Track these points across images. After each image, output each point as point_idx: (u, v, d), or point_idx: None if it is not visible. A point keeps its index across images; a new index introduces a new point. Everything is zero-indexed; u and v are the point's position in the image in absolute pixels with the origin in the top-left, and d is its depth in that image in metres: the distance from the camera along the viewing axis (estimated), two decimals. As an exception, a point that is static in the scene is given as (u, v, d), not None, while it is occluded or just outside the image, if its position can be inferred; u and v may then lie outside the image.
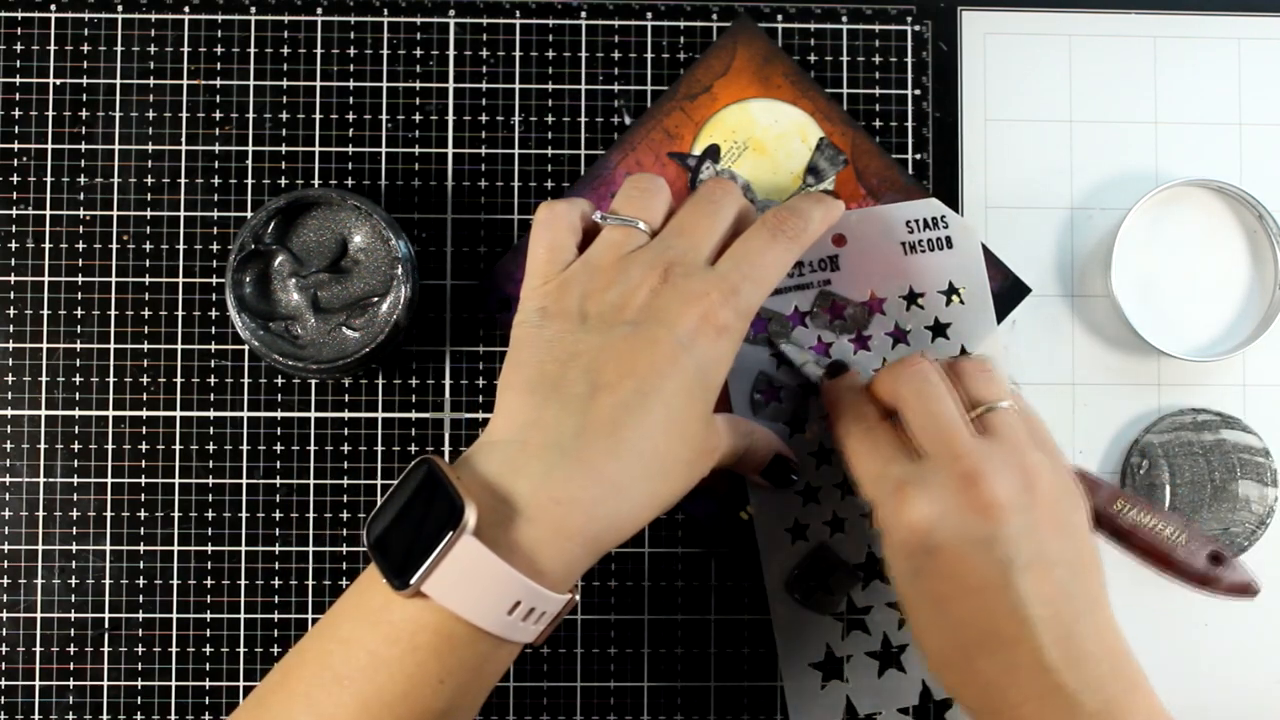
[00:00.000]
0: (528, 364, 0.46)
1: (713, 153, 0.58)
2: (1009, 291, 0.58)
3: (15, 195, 0.58)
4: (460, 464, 0.44)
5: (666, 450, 0.45)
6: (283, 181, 0.59)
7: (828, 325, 0.56)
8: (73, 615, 0.58)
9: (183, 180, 0.59)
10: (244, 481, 0.58)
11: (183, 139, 0.59)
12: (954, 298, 0.57)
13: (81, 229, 0.58)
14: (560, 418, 0.44)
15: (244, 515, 0.58)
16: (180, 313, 0.58)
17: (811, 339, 0.56)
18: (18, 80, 0.59)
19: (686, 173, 0.58)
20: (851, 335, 0.56)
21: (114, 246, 0.58)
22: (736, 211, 0.50)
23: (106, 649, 0.58)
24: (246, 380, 0.58)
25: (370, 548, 0.43)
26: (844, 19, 0.60)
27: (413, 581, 0.41)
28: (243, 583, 0.58)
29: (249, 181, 0.59)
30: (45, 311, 0.58)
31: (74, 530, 0.58)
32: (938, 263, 0.57)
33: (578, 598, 0.45)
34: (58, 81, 0.59)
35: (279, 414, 0.58)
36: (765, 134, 0.59)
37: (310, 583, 0.58)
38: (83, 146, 0.59)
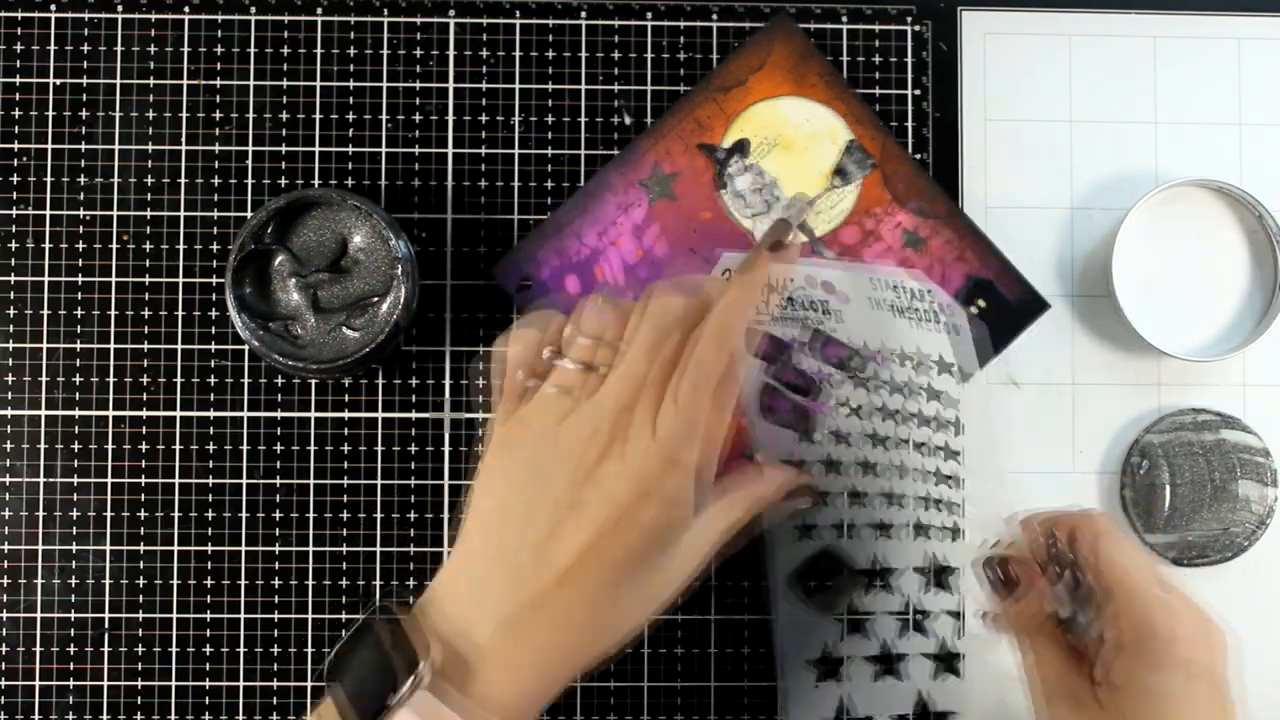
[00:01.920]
0: (494, 493, 0.47)
1: (742, 147, 0.59)
2: (1027, 306, 0.58)
3: (15, 195, 0.58)
4: (420, 609, 0.45)
5: (626, 601, 0.45)
6: (283, 181, 0.59)
7: (824, 359, 0.56)
8: (73, 615, 0.58)
9: (183, 180, 0.59)
10: (244, 481, 0.58)
11: (183, 139, 0.59)
12: (946, 374, 0.57)
13: (81, 229, 0.58)
14: (519, 562, 0.45)
15: (244, 515, 0.58)
16: (180, 313, 0.58)
17: (812, 367, 0.56)
18: (18, 80, 0.59)
19: (714, 165, 0.59)
20: (849, 375, 0.56)
21: (114, 246, 0.58)
22: (683, 334, 0.47)
23: (106, 649, 0.58)
24: (246, 380, 0.58)
25: (328, 689, 0.44)
26: (844, 19, 0.60)
27: None
28: (243, 583, 0.58)
29: (249, 181, 0.59)
30: (45, 311, 0.58)
31: (74, 530, 0.58)
32: (929, 335, 0.57)
33: None
34: (58, 81, 0.59)
35: (279, 414, 0.58)
36: (796, 132, 0.59)
37: (310, 583, 0.58)
38: (83, 146, 0.59)
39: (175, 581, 0.58)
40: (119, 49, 0.59)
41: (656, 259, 0.58)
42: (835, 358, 0.55)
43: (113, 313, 0.58)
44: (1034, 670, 0.50)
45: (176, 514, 0.58)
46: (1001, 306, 0.58)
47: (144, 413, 0.58)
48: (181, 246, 0.59)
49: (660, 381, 0.46)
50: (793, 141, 0.59)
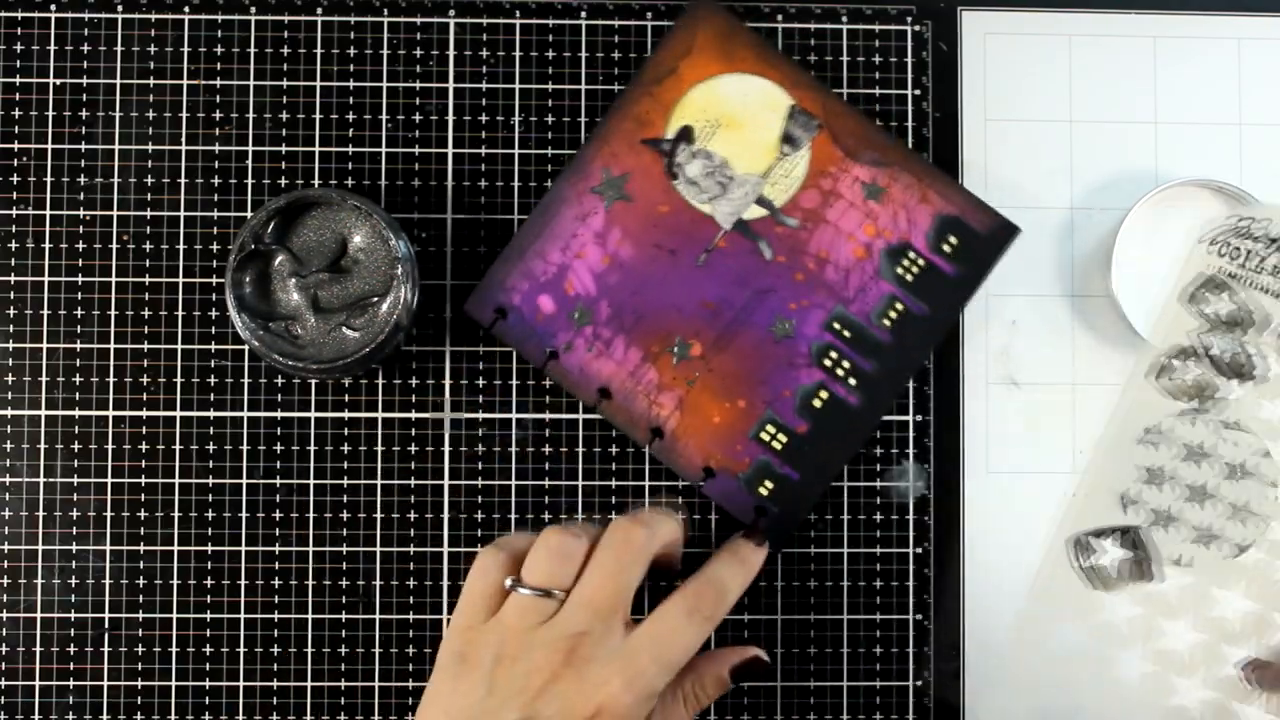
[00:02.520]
0: (435, 717, 0.48)
1: (686, 134, 0.58)
2: (997, 234, 0.58)
3: (15, 195, 0.58)
4: None
5: None
6: (283, 181, 0.59)
7: None
8: (73, 615, 0.58)
9: (183, 180, 0.59)
10: (244, 481, 0.58)
11: (183, 139, 0.59)
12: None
13: (81, 229, 0.58)
14: None
15: (244, 515, 0.58)
16: (180, 313, 0.58)
17: None
18: (18, 80, 0.59)
19: (662, 158, 0.58)
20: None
21: (114, 246, 0.58)
22: (646, 562, 0.50)
23: (106, 649, 0.58)
24: (246, 380, 0.58)
25: None
26: (844, 19, 0.60)
27: None
28: (243, 583, 0.58)
29: (249, 181, 0.59)
30: (45, 311, 0.58)
31: (74, 530, 0.58)
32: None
33: None
34: (58, 81, 0.59)
35: (279, 414, 0.58)
36: (736, 109, 0.58)
37: (310, 583, 0.58)
38: (83, 146, 0.59)
39: (175, 581, 0.58)
40: (119, 49, 0.59)
41: (623, 261, 0.58)
42: None
43: (113, 313, 0.58)
44: None
45: (176, 514, 0.58)
46: (972, 239, 0.58)
47: (144, 413, 0.58)
48: (181, 246, 0.59)
49: (622, 607, 0.48)
50: (735, 118, 0.58)
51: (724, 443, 0.58)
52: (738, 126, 0.58)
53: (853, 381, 0.58)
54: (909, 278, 0.58)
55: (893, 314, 0.58)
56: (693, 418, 0.58)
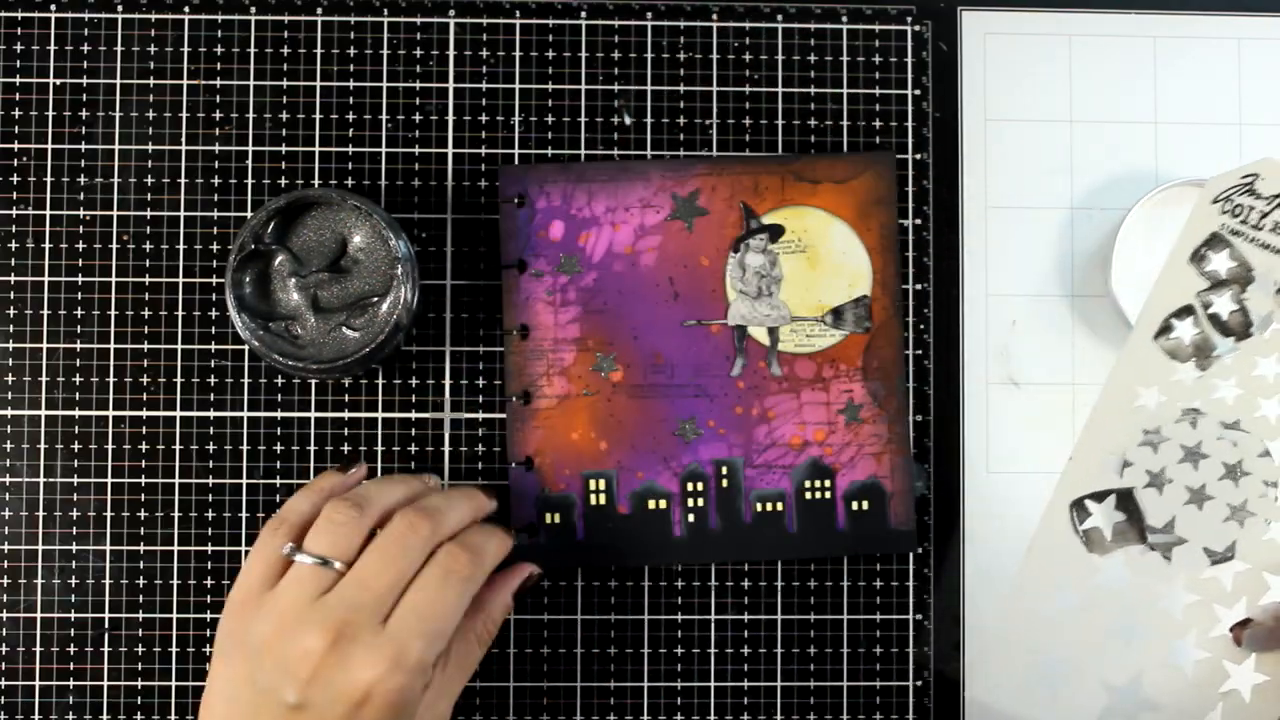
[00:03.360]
0: (216, 705, 0.49)
1: (775, 232, 0.58)
2: (896, 537, 0.58)
3: (15, 195, 0.58)
4: None
5: None
6: (283, 181, 0.59)
7: None
8: (73, 615, 0.58)
9: (183, 180, 0.59)
10: (244, 481, 0.58)
11: (183, 139, 0.59)
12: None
13: (81, 229, 0.58)
14: None
15: (244, 515, 0.58)
16: (180, 313, 0.58)
17: None
18: (18, 80, 0.59)
19: (742, 228, 0.58)
20: None
21: (114, 246, 0.58)
22: (424, 553, 0.50)
23: (106, 649, 0.58)
24: (246, 380, 0.58)
25: None
26: (844, 19, 0.60)
27: None
28: (243, 583, 0.58)
29: (249, 181, 0.59)
30: (45, 311, 0.58)
31: (74, 530, 0.58)
32: None
33: None
34: (58, 81, 0.59)
35: (279, 414, 0.58)
36: (826, 254, 0.59)
37: (310, 583, 0.58)
38: (83, 146, 0.59)
39: (175, 581, 0.58)
40: (119, 49, 0.59)
41: (639, 264, 0.58)
42: None
43: (113, 313, 0.58)
44: None
45: (176, 514, 0.58)
46: (876, 520, 0.58)
47: (144, 413, 0.58)
48: (181, 246, 0.59)
49: (397, 588, 0.48)
50: (818, 259, 0.59)
51: (559, 458, 0.58)
52: (814, 267, 0.59)
53: (690, 519, 0.58)
54: (806, 497, 0.58)
55: (767, 507, 0.58)
56: (559, 416, 0.58)
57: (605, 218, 0.58)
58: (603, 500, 0.58)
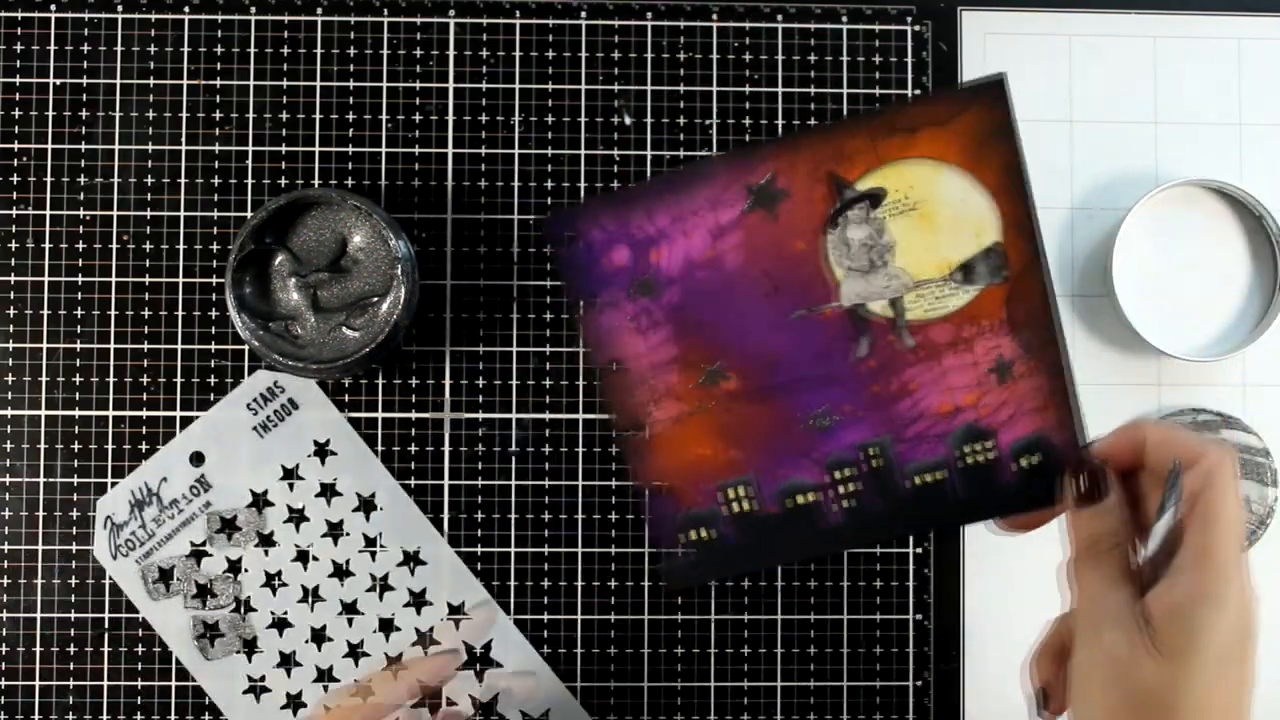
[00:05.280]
0: None
1: (875, 197, 0.53)
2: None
3: (15, 195, 0.58)
4: None
5: None
6: (283, 181, 0.59)
7: None
8: (73, 615, 0.58)
9: (183, 180, 0.59)
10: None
11: (183, 139, 0.59)
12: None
13: (81, 229, 0.58)
14: None
15: (244, 515, 0.58)
16: (180, 313, 0.58)
17: None
18: (18, 80, 0.59)
19: (834, 201, 0.53)
20: None
21: (114, 246, 0.58)
22: None
23: (106, 649, 0.58)
24: (246, 380, 0.58)
25: None
26: (844, 19, 0.60)
27: None
28: (243, 583, 0.58)
29: (249, 181, 0.59)
30: (45, 311, 0.58)
31: (74, 530, 0.58)
32: None
33: None
34: (58, 81, 0.59)
35: (279, 414, 0.58)
36: (941, 207, 0.52)
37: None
38: (83, 146, 0.59)
39: (175, 581, 0.58)
40: (119, 49, 0.59)
41: (723, 267, 0.54)
42: None
43: (113, 313, 0.58)
44: (1099, 594, 0.47)
45: (176, 514, 0.58)
46: (1048, 475, 0.53)
47: (144, 413, 0.58)
48: (181, 246, 0.59)
49: None
50: (933, 216, 0.53)
51: (691, 475, 0.56)
52: (929, 224, 0.53)
53: (846, 504, 0.55)
54: (968, 461, 0.54)
55: (927, 479, 0.55)
56: (680, 437, 0.56)
57: (673, 229, 0.55)
58: (747, 506, 0.56)
